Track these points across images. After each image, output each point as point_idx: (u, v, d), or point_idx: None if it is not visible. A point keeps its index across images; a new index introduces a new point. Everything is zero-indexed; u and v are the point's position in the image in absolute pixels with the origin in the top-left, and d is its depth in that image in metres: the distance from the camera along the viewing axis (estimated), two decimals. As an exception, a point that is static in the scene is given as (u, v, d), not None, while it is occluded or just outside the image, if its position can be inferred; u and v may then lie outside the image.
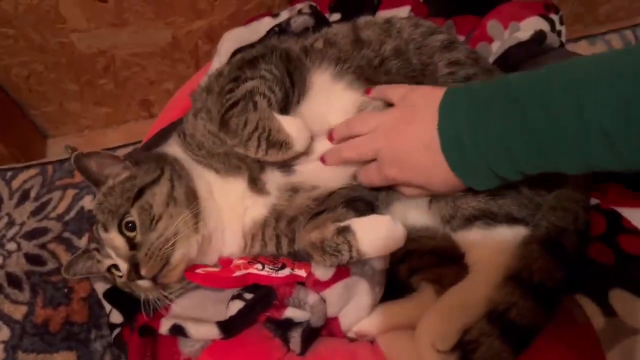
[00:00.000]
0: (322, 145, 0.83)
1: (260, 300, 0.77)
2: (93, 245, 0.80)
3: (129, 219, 0.75)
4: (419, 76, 0.87)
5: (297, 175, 0.83)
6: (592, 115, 0.54)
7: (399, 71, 0.87)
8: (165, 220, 0.76)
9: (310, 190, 0.84)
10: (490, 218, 0.76)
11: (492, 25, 1.04)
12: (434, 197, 0.80)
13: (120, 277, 0.77)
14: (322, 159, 0.82)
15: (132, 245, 0.75)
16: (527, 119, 0.59)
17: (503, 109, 0.61)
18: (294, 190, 0.84)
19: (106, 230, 0.76)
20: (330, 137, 0.82)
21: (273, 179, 0.83)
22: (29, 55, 1.25)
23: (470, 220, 0.76)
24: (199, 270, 0.81)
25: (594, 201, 0.81)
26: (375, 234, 0.71)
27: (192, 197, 0.79)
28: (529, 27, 1.02)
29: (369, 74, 0.86)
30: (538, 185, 0.77)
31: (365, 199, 0.83)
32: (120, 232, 0.75)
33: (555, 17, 1.05)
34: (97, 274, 0.84)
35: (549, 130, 0.57)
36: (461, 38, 1.04)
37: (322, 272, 0.77)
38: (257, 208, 0.84)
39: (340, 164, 0.81)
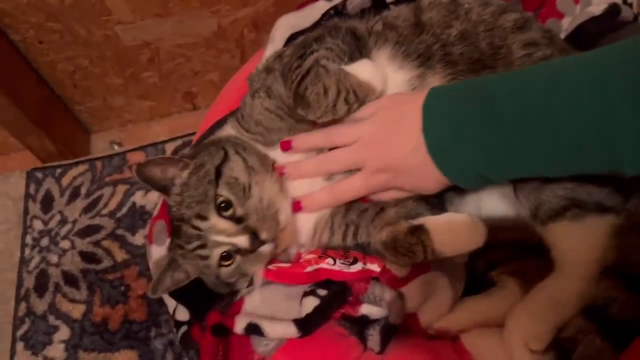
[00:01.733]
0: None
1: (336, 297, 0.74)
2: (194, 245, 0.75)
3: (221, 199, 0.72)
4: (488, 60, 0.81)
5: None
6: (564, 118, 0.54)
7: (462, 56, 0.82)
8: (255, 186, 0.74)
9: None
10: (579, 207, 0.71)
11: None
12: (518, 185, 0.75)
13: (229, 265, 0.75)
14: (295, 170, 0.78)
15: (237, 219, 0.72)
16: (505, 133, 0.59)
17: (482, 117, 0.61)
18: None
19: (205, 218, 0.73)
20: (286, 146, 0.78)
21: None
22: (74, 50, 1.24)
23: (559, 213, 0.71)
24: (270, 267, 0.78)
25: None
26: (451, 233, 0.68)
27: (267, 163, 0.78)
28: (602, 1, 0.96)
29: (426, 58, 0.81)
30: None
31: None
32: (220, 214, 0.73)
33: (629, -9, 0.99)
34: (185, 281, 0.80)
35: (525, 143, 0.58)
36: (531, 15, 0.97)
37: (398, 269, 0.74)
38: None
39: (319, 175, 0.78)
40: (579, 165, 0.57)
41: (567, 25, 0.96)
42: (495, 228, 0.81)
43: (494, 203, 0.82)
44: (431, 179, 0.68)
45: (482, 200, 0.83)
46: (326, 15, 0.97)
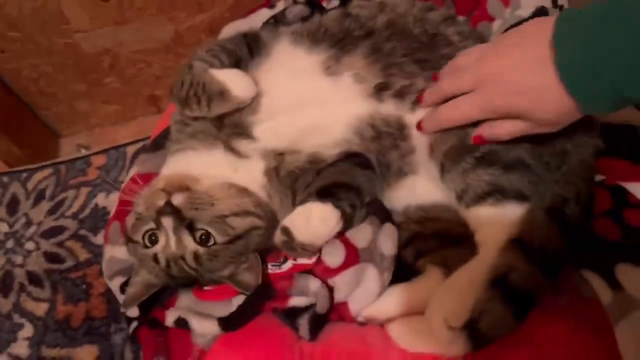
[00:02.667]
0: (281, 106, 0.84)
1: (259, 295, 0.78)
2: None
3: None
4: (425, 49, 0.86)
5: (261, 141, 0.84)
6: None
7: (390, 42, 0.86)
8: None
9: (293, 154, 0.85)
10: (501, 194, 0.75)
11: (492, 3, 1.02)
12: (446, 168, 0.79)
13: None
14: (431, 124, 0.78)
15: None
16: None
17: (620, 19, 0.54)
18: (279, 155, 0.85)
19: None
20: (435, 77, 0.78)
21: (246, 146, 0.85)
22: (37, 58, 1.27)
23: (482, 197, 0.75)
24: (206, 288, 0.83)
25: (599, 177, 0.80)
26: (307, 226, 0.73)
27: None
28: (530, 3, 0.99)
29: (341, 41, 0.86)
30: (549, 159, 0.77)
31: (347, 183, 0.81)
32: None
33: (556, -8, 1.03)
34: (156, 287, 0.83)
35: None
36: (461, 19, 1.02)
37: (331, 259, 0.78)
38: (248, 171, 0.85)
39: (436, 101, 0.76)
40: None
41: (497, 27, 1.01)
42: (425, 218, 0.86)
43: (426, 190, 0.86)
44: (550, 100, 0.60)
45: (416, 188, 0.87)
46: (267, 23, 1.01)
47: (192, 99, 0.79)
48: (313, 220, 0.72)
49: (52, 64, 1.30)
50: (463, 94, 0.70)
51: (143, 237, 0.78)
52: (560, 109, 0.61)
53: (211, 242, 0.77)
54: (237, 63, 0.83)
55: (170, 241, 0.77)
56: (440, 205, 0.85)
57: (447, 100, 0.74)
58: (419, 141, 0.83)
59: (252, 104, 0.84)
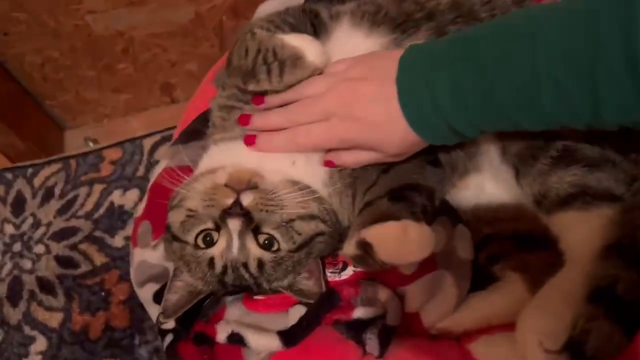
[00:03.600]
0: None
1: (323, 304, 0.72)
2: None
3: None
4: None
5: None
6: (543, 64, 0.52)
7: (456, 26, 0.79)
8: None
9: None
10: (589, 195, 0.68)
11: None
12: (521, 170, 0.73)
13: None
14: (261, 122, 0.74)
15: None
16: (480, 70, 0.57)
17: (459, 59, 0.59)
18: None
19: None
20: (260, 101, 0.74)
21: None
22: (43, 41, 1.19)
23: (567, 201, 0.69)
24: (257, 297, 0.76)
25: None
26: (396, 244, 0.63)
27: None
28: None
29: (404, 26, 0.79)
30: (636, 156, 0.71)
31: (420, 184, 0.74)
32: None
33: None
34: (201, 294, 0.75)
35: (501, 80, 0.55)
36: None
37: (406, 266, 0.72)
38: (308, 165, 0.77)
39: (272, 127, 0.73)
40: (560, 111, 0.54)
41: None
42: (497, 219, 0.80)
43: (497, 191, 0.80)
44: (398, 134, 0.64)
45: (484, 189, 0.81)
46: (309, 1, 0.92)
47: (260, 68, 0.70)
48: (409, 244, 0.63)
49: (59, 48, 1.21)
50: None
51: (196, 237, 0.70)
52: (406, 142, 0.65)
53: (275, 247, 0.70)
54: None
55: (233, 245, 0.69)
56: (514, 205, 0.79)
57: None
58: (487, 141, 0.77)
59: None
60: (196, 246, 0.71)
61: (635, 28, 0.46)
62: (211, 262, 0.70)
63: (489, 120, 0.59)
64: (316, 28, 0.78)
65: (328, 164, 0.74)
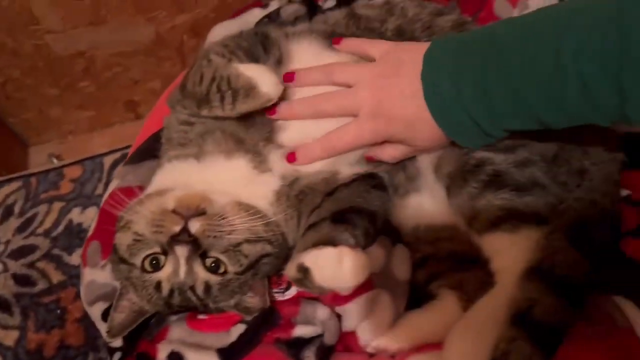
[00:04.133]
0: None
1: (263, 322, 0.72)
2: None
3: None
4: None
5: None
6: (569, 60, 0.53)
7: None
8: None
9: (305, 177, 0.78)
10: (517, 219, 0.70)
11: (499, 4, 0.97)
12: (452, 191, 0.74)
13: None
14: (287, 110, 0.76)
15: None
16: (504, 64, 0.58)
17: (483, 54, 0.60)
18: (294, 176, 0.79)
19: None
20: (290, 78, 0.77)
21: (274, 155, 0.78)
22: (3, 61, 1.19)
23: (495, 224, 0.70)
24: (201, 316, 0.76)
25: (624, 192, 0.75)
26: (332, 270, 0.64)
27: None
28: (538, 4, 0.95)
29: None
30: (566, 179, 0.73)
31: (362, 208, 0.76)
32: None
33: (566, -8, 0.99)
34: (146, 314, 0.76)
35: (526, 75, 0.57)
36: (468, 19, 0.97)
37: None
38: (259, 187, 0.78)
39: (313, 116, 0.76)
40: (585, 108, 0.55)
41: (505, 29, 0.96)
42: (437, 239, 0.82)
43: (434, 211, 0.81)
44: (425, 130, 0.67)
45: (423, 209, 0.82)
46: (260, 23, 0.95)
47: (214, 96, 0.72)
48: (344, 271, 0.63)
49: (20, 67, 1.22)
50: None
51: (143, 261, 0.71)
52: (434, 137, 0.68)
53: (221, 270, 0.71)
54: (255, 61, 0.77)
55: (180, 270, 0.69)
56: (451, 226, 0.80)
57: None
58: (424, 162, 0.80)
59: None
60: (143, 269, 0.71)
61: None
62: (158, 285, 0.70)
63: (513, 118, 0.61)
64: (266, 48, 0.80)
65: (370, 159, 0.78)
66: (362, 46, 0.77)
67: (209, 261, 0.70)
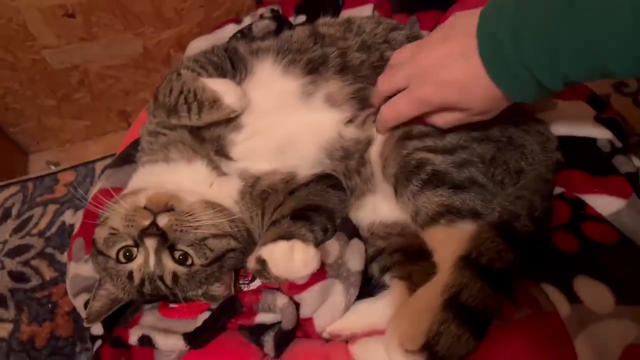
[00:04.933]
0: (262, 125, 0.84)
1: (225, 310, 0.78)
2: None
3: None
4: None
5: (239, 161, 0.85)
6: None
7: (364, 63, 0.87)
8: None
9: (268, 174, 0.85)
10: (453, 214, 0.75)
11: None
12: (398, 191, 0.79)
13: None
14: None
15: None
16: (577, 16, 0.54)
17: (549, 5, 0.57)
18: (254, 178, 0.85)
19: None
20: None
21: (226, 164, 0.85)
22: (2, 75, 1.26)
23: (434, 219, 0.75)
24: (172, 305, 0.83)
25: (558, 190, 0.81)
26: (286, 261, 0.72)
27: None
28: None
29: (318, 64, 0.87)
30: (502, 178, 0.78)
31: (321, 206, 0.82)
32: None
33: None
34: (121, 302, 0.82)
35: (601, 26, 0.53)
36: (425, 33, 1.03)
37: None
38: (223, 187, 0.85)
39: (379, 101, 0.78)
40: None
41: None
42: (389, 234, 0.87)
43: (387, 210, 0.87)
44: (479, 89, 0.64)
45: (377, 208, 0.88)
46: (234, 37, 1.02)
47: (181, 107, 0.79)
48: (295, 262, 0.71)
49: (19, 80, 1.29)
50: (399, 91, 0.73)
51: (117, 253, 0.78)
52: (488, 97, 0.64)
53: (189, 262, 0.77)
54: (223, 76, 0.84)
55: (150, 260, 0.76)
56: (401, 222, 0.86)
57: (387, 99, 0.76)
58: (375, 165, 0.84)
59: (236, 121, 0.84)
60: (117, 260, 0.78)
61: None
62: (130, 275, 0.77)
63: (580, 69, 0.57)
64: (234, 64, 0.87)
65: (428, 124, 0.76)
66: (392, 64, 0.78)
67: (177, 254, 0.77)
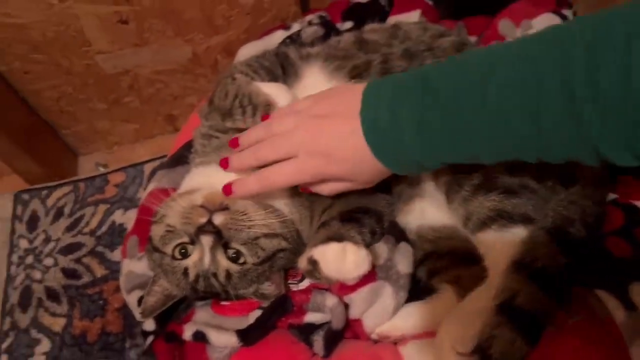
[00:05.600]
0: None
1: (276, 308, 0.79)
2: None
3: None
4: None
5: None
6: (494, 102, 0.54)
7: (403, 72, 0.88)
8: None
9: None
10: (505, 219, 0.75)
11: (503, 24, 1.04)
12: (449, 196, 0.81)
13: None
14: (237, 162, 0.78)
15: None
16: (440, 109, 0.59)
17: (420, 96, 0.61)
18: None
19: None
20: (235, 144, 0.79)
21: None
22: (58, 79, 1.30)
23: (486, 223, 0.76)
24: (224, 302, 0.85)
25: (612, 196, 0.80)
26: (338, 263, 0.73)
27: None
28: (541, 24, 1.01)
29: (362, 70, 0.88)
30: (553, 183, 0.78)
31: (370, 208, 0.83)
32: None
33: (568, 12, 1.04)
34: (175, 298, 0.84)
35: (457, 117, 0.58)
36: (473, 39, 1.04)
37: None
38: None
39: (258, 164, 0.75)
40: (513, 145, 0.57)
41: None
42: (438, 237, 0.88)
43: (436, 214, 0.87)
44: (366, 166, 0.68)
45: (425, 212, 0.89)
46: (282, 44, 1.04)
47: (236, 110, 0.81)
48: (347, 263, 0.72)
49: (73, 84, 1.33)
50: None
51: (173, 250, 0.80)
52: (375, 171, 0.69)
53: (242, 260, 0.79)
54: (274, 80, 0.86)
55: (205, 257, 0.78)
56: (450, 226, 0.86)
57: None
58: (425, 173, 0.85)
59: None
60: (173, 257, 0.80)
61: (572, 70, 0.49)
62: (185, 271, 0.79)
63: (447, 153, 0.62)
64: (285, 69, 0.89)
65: (305, 190, 0.78)
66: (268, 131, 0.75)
67: (230, 252, 0.79)
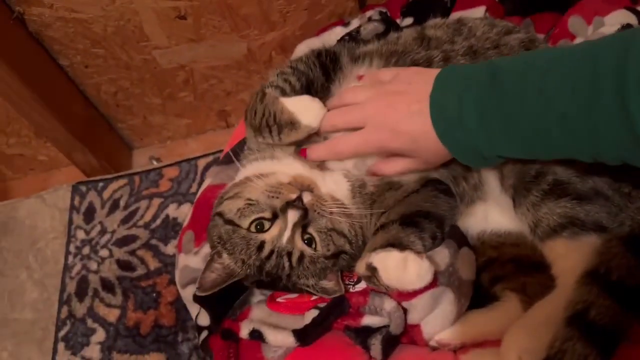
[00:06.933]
0: None
1: (334, 309, 0.78)
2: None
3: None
4: None
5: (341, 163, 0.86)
6: (552, 99, 0.57)
7: None
8: None
9: (370, 181, 0.84)
10: (577, 226, 0.72)
11: (573, 21, 0.99)
12: (517, 201, 0.78)
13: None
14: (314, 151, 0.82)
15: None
16: (503, 100, 0.62)
17: (487, 87, 0.64)
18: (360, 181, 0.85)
19: None
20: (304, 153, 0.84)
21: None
22: (116, 73, 1.33)
23: (556, 231, 0.73)
24: (279, 299, 0.84)
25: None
26: (398, 272, 0.71)
27: None
28: (614, 21, 0.96)
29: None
30: (629, 190, 0.75)
31: (430, 212, 0.81)
32: None
33: (642, 9, 0.99)
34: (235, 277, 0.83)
35: (518, 110, 0.61)
36: (541, 36, 1.00)
37: None
38: (335, 183, 0.85)
39: (324, 132, 0.81)
40: (566, 145, 0.59)
41: (579, 46, 0.98)
42: (502, 243, 0.85)
43: (500, 219, 0.85)
44: (429, 145, 0.70)
45: (489, 216, 0.87)
46: (341, 41, 1.02)
47: (264, 129, 0.81)
48: (408, 274, 0.71)
49: (130, 79, 1.35)
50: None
51: (250, 224, 0.79)
52: (437, 152, 0.71)
53: (313, 247, 0.79)
54: (309, 84, 0.84)
55: (285, 234, 0.78)
56: (515, 232, 0.84)
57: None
58: (489, 174, 0.83)
59: None
60: (249, 231, 0.79)
61: (626, 73, 0.51)
62: (261, 245, 0.78)
63: (506, 145, 0.65)
64: (328, 72, 0.86)
65: (369, 173, 0.82)
66: (376, 74, 0.83)
67: (305, 236, 0.79)
